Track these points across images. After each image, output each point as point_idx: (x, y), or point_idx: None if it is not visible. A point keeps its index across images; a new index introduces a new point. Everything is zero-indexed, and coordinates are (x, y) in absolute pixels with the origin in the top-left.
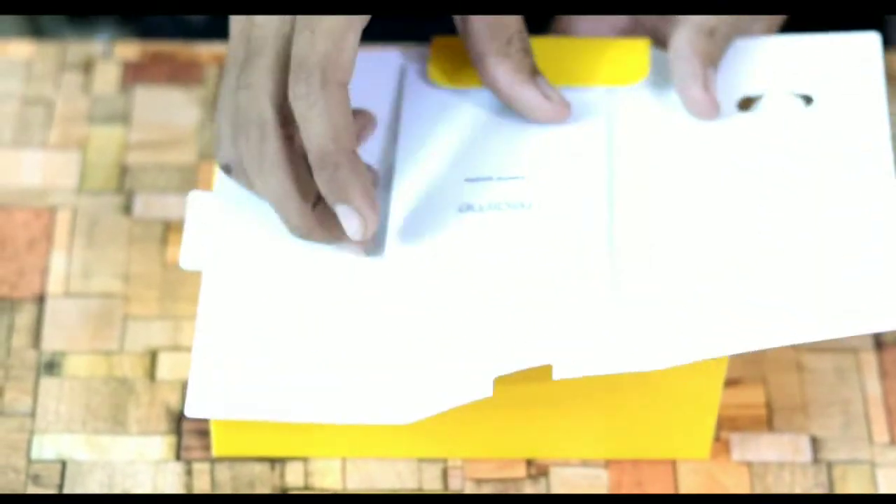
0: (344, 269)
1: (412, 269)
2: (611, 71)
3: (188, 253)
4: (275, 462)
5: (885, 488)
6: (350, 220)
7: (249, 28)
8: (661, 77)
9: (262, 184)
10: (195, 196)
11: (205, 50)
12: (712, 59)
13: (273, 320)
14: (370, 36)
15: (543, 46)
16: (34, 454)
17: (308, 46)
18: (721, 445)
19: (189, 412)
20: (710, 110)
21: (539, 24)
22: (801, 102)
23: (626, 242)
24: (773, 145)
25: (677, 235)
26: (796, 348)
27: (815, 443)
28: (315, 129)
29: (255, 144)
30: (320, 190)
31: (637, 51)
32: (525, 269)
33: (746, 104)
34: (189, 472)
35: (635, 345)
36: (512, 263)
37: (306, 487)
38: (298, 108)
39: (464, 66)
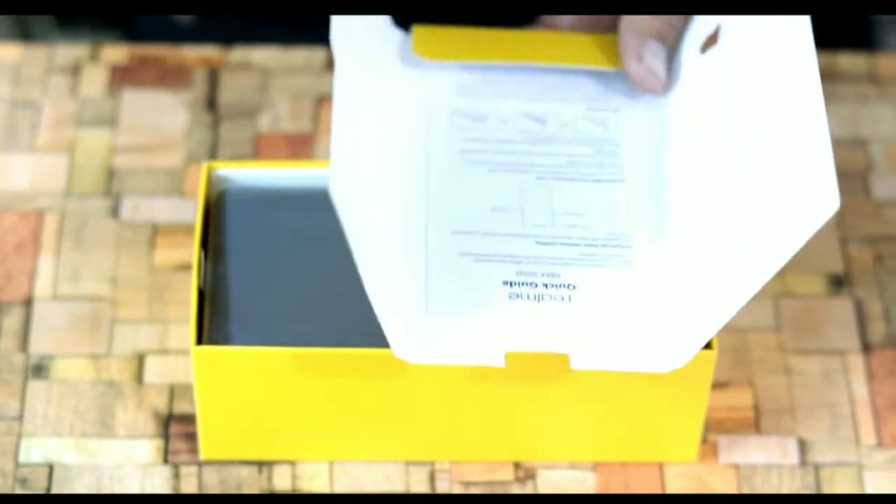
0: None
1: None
2: (595, 60)
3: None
4: (262, 465)
5: (872, 490)
6: None
7: None
8: None
9: None
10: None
11: (192, 53)
12: (657, 33)
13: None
14: None
15: (528, 39)
16: (22, 458)
17: None
18: (708, 448)
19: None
20: (647, 81)
21: (522, 21)
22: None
23: (639, 228)
24: (730, 81)
25: (675, 215)
26: (783, 350)
27: (803, 445)
28: None
29: None
30: None
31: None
32: (555, 255)
33: (710, 43)
34: (177, 476)
35: (653, 344)
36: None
37: (294, 490)
38: None
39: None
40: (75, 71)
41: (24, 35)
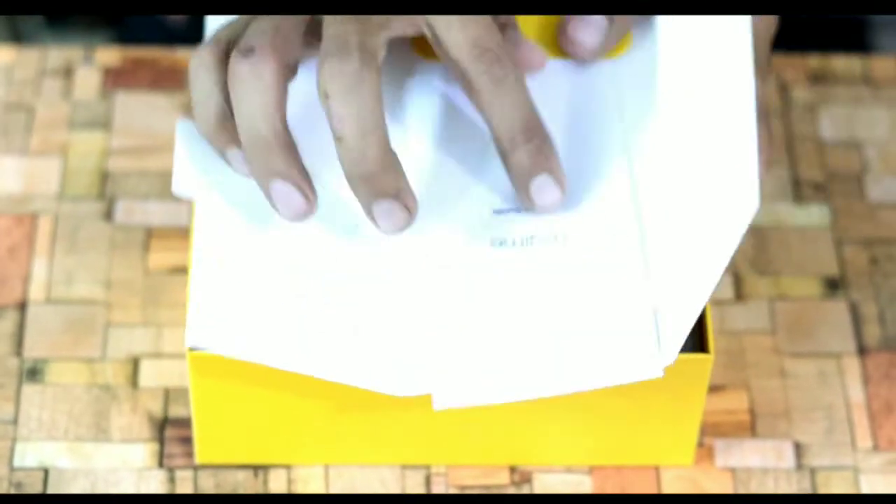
0: (347, 235)
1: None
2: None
3: (180, 179)
4: (258, 469)
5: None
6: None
7: None
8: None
9: (342, 102)
10: (184, 125)
11: (186, 55)
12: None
13: (272, 265)
14: None
15: (528, 21)
16: (16, 462)
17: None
18: (704, 451)
19: (190, 341)
20: (572, 50)
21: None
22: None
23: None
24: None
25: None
26: (779, 353)
27: (799, 448)
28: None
29: (355, 67)
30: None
31: None
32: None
33: None
34: (172, 480)
35: (519, 372)
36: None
37: (289, 494)
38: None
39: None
40: (68, 73)
41: (15, 37)
